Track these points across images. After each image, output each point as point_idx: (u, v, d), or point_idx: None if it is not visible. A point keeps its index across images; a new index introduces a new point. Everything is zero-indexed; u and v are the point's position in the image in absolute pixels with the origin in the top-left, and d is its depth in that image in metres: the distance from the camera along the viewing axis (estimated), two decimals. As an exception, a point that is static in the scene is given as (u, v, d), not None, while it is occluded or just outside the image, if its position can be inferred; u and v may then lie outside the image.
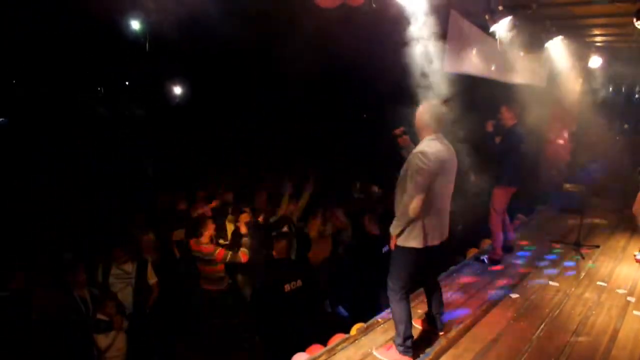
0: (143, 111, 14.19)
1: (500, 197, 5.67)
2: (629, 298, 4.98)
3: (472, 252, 6.37)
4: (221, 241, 5.77)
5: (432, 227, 3.50)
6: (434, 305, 3.98)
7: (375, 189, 8.43)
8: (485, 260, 5.81)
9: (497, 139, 5.66)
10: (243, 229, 5.78)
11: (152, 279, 5.16)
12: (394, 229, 3.50)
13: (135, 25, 10.78)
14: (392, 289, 3.57)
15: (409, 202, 3.36)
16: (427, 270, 3.85)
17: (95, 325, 4.46)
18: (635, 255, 6.16)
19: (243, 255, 5.54)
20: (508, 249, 6.10)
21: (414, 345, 3.60)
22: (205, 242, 5.44)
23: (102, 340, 4.48)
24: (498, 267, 5.70)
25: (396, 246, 3.54)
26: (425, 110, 3.58)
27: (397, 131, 3.83)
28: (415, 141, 3.68)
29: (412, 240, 3.47)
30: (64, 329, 4.20)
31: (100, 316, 4.50)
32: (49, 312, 4.21)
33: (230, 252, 5.49)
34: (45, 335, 4.05)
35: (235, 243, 5.76)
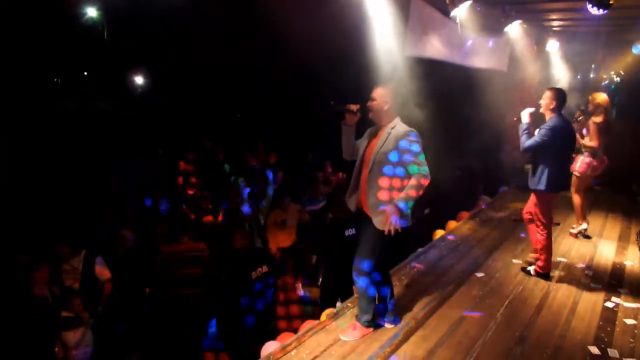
0: (104, 103, 13.69)
1: (542, 205, 4.80)
2: (587, 272, 5.21)
3: (439, 233, 6.50)
4: None
5: None
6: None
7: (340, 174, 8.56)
8: (532, 272, 5.03)
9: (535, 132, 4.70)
10: None
11: (104, 276, 4.97)
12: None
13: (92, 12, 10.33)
14: (361, 271, 3.52)
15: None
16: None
17: (62, 322, 4.34)
18: (570, 231, 6.45)
19: None
20: None
21: (383, 329, 3.64)
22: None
23: (71, 337, 4.36)
24: (462, 250, 5.80)
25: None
26: (389, 93, 3.53)
27: (353, 107, 3.56)
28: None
29: None
30: (26, 329, 4.06)
31: (66, 313, 4.38)
32: (9, 313, 4.06)
33: None
34: (6, 337, 3.91)
35: None
